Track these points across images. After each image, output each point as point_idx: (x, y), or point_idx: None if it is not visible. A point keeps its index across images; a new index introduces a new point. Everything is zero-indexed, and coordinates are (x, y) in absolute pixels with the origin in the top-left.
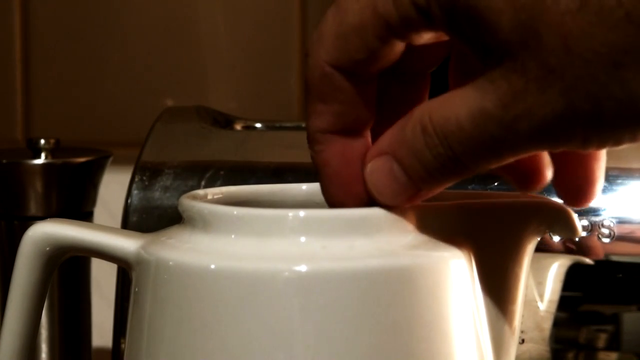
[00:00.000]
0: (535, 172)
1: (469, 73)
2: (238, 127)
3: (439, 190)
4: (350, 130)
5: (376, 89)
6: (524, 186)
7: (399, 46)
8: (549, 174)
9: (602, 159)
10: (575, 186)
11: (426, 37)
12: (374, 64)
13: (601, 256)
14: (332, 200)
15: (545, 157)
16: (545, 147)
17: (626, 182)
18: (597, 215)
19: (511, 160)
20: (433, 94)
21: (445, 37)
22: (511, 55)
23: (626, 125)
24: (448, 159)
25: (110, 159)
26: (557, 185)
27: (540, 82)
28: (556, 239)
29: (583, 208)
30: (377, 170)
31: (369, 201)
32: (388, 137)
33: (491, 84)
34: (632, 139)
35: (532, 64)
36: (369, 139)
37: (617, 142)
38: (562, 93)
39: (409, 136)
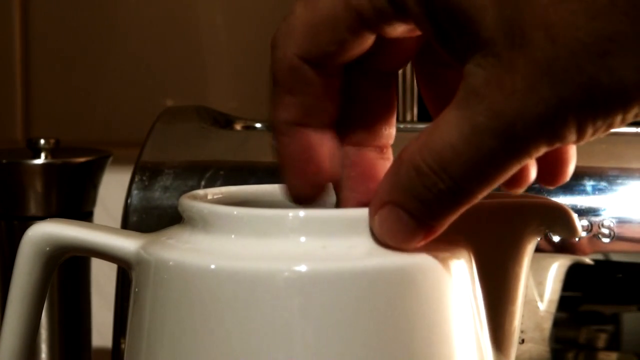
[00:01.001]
0: (519, 172)
1: (438, 80)
2: (238, 127)
3: (452, 219)
4: (315, 123)
5: (341, 82)
6: (508, 186)
7: (370, 38)
8: (533, 173)
9: None
10: (549, 167)
11: (400, 30)
12: (343, 56)
13: (601, 256)
14: (293, 190)
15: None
16: (543, 146)
17: (626, 182)
18: (597, 215)
19: (513, 171)
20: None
21: (418, 32)
22: (496, 54)
23: (617, 109)
24: (450, 191)
25: (110, 159)
26: None
27: (528, 79)
28: (556, 239)
29: (581, 207)
30: (385, 221)
31: (329, 191)
32: (386, 186)
33: (476, 95)
34: (623, 121)
35: (518, 61)
36: (334, 132)
37: (609, 126)
38: (551, 88)
39: (404, 181)
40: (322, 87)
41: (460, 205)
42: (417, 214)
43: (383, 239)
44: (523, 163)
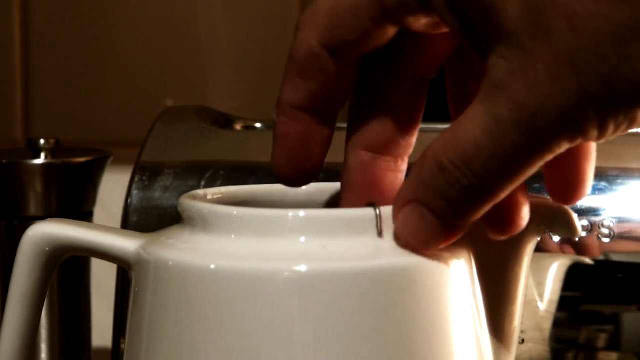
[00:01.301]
0: (510, 217)
1: (467, 90)
2: (238, 127)
3: (475, 219)
4: (319, 111)
5: (357, 74)
6: (498, 231)
7: (391, 31)
8: (525, 217)
9: (592, 159)
10: (566, 185)
11: (423, 22)
12: (363, 46)
13: (601, 256)
14: (279, 170)
15: (523, 202)
16: (565, 141)
17: (626, 182)
18: (597, 215)
19: (536, 167)
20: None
21: (443, 29)
22: (519, 45)
23: (638, 102)
24: (473, 188)
25: (110, 159)
26: (548, 183)
27: (551, 70)
28: (556, 239)
29: (581, 207)
30: (408, 220)
31: (315, 177)
32: (409, 185)
33: (498, 87)
34: None
35: (541, 51)
36: (334, 124)
37: (632, 123)
38: (574, 79)
39: (427, 178)
40: (336, 76)
41: (483, 202)
42: (440, 213)
43: (406, 239)
44: (545, 159)
